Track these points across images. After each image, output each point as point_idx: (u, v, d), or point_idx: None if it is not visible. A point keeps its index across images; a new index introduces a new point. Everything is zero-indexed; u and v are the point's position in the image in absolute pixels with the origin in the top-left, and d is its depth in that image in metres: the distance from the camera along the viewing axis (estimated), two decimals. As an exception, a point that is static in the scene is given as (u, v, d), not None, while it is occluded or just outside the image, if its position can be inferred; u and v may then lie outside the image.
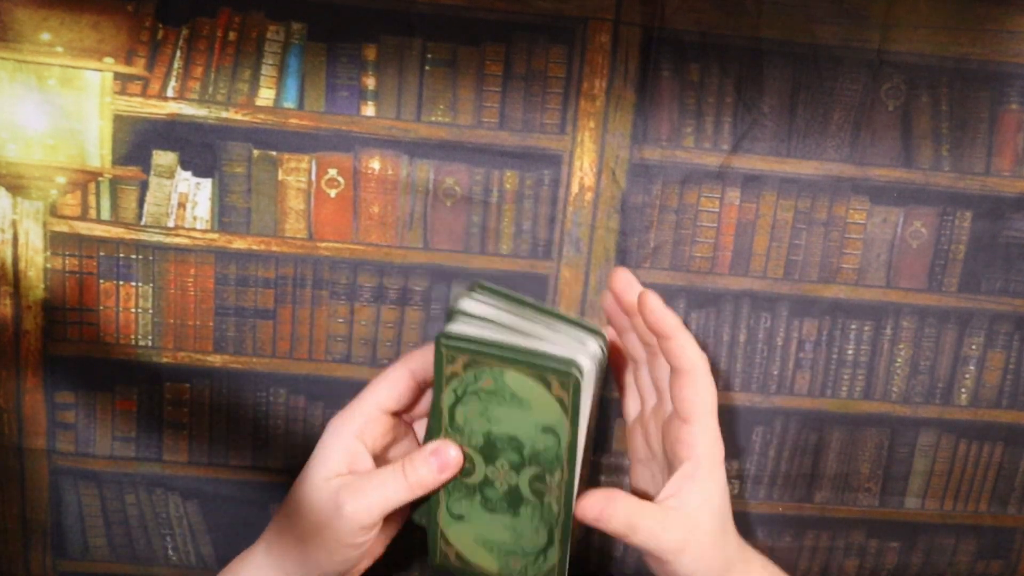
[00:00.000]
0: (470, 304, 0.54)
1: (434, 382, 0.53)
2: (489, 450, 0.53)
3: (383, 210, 0.64)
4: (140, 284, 0.65)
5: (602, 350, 0.53)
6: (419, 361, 0.57)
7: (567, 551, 0.54)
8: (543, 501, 0.53)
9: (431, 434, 0.55)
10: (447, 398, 0.53)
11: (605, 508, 0.51)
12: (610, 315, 0.59)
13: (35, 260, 0.64)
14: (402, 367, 0.57)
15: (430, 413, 0.54)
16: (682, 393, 0.53)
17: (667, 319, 0.53)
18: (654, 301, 0.53)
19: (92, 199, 0.63)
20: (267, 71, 0.63)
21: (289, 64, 0.63)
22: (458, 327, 0.52)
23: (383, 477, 0.54)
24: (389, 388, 0.57)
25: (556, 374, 0.49)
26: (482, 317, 0.53)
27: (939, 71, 0.65)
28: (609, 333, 0.59)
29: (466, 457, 0.54)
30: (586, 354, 0.52)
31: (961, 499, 0.72)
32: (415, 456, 0.54)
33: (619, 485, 0.70)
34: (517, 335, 0.52)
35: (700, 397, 0.53)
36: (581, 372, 0.49)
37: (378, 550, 0.59)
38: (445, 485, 0.55)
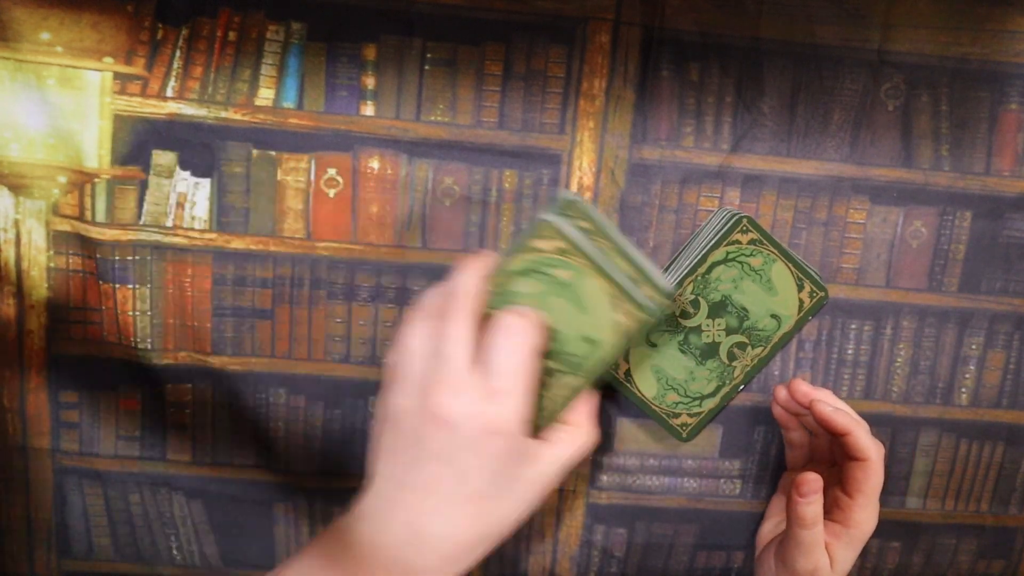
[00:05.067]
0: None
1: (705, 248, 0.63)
2: (718, 309, 0.64)
3: (382, 210, 0.65)
4: (138, 285, 0.65)
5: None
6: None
7: (721, 408, 0.66)
8: (731, 363, 0.65)
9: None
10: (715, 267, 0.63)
11: (817, 491, 0.60)
12: (780, 417, 0.67)
13: (38, 260, 0.64)
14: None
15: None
16: (854, 475, 0.62)
17: (839, 418, 0.61)
18: (825, 408, 0.62)
19: (92, 199, 0.63)
20: (267, 71, 0.63)
21: (289, 64, 0.63)
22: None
23: None
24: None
25: (813, 283, 0.63)
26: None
27: (939, 71, 0.64)
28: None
29: (696, 303, 0.64)
30: None
31: (962, 499, 0.72)
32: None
33: (622, 485, 0.70)
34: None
35: (871, 481, 0.62)
36: (826, 296, 0.63)
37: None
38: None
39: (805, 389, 0.63)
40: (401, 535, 0.52)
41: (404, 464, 0.52)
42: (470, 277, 0.54)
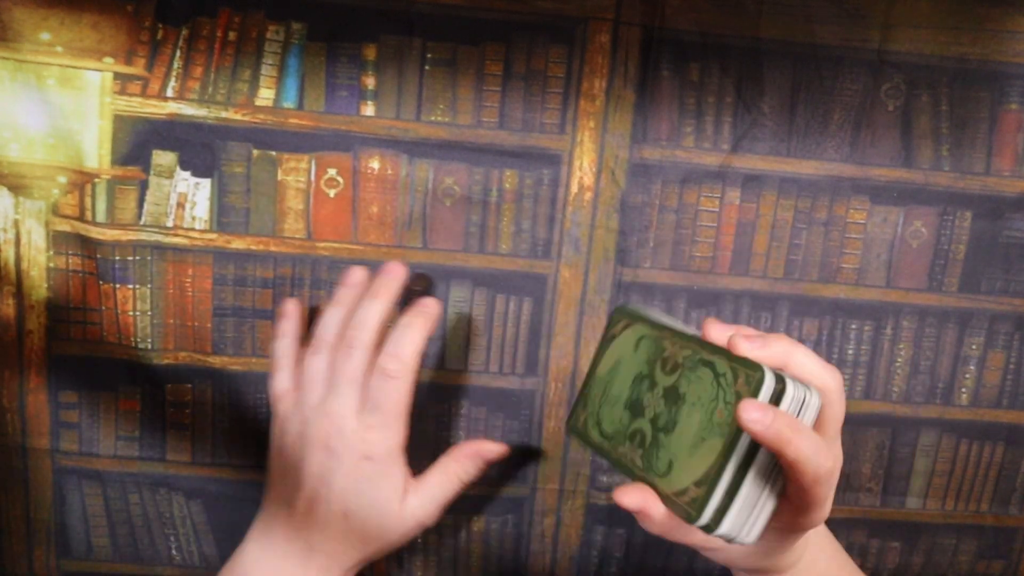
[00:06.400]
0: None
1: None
2: (670, 394, 0.52)
3: (382, 210, 0.65)
4: (138, 285, 0.65)
5: None
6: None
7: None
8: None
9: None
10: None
11: (647, 505, 0.50)
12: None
13: (38, 260, 0.64)
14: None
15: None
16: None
17: (771, 346, 0.49)
18: (743, 344, 0.48)
19: (92, 199, 0.63)
20: (267, 71, 0.63)
21: (289, 64, 0.63)
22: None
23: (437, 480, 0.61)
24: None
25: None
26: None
27: (939, 71, 0.64)
28: None
29: (674, 367, 0.52)
30: None
31: (962, 499, 0.72)
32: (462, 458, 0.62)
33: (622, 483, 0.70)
34: None
35: (831, 411, 0.51)
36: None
37: None
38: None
39: (719, 327, 0.51)
40: (287, 550, 0.58)
41: (290, 486, 0.59)
42: (375, 309, 0.59)
